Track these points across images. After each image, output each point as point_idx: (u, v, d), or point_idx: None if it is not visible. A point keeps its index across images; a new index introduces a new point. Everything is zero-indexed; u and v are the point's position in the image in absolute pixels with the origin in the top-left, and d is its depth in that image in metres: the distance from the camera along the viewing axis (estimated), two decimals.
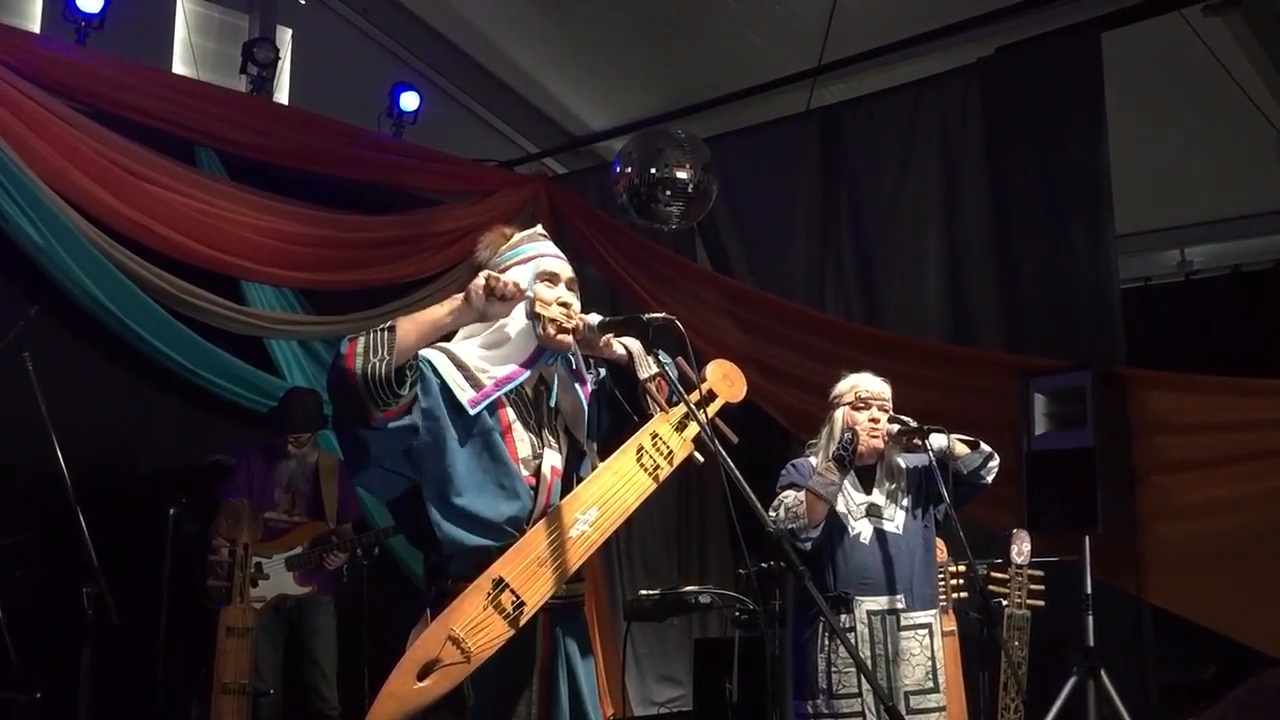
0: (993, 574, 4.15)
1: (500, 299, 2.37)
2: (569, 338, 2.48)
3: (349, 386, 2.22)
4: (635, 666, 6.68)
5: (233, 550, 4.71)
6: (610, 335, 2.52)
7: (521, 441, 2.49)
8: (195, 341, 5.65)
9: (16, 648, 4.48)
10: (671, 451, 2.62)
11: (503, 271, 2.52)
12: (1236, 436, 4.45)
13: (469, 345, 2.49)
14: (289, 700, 5.17)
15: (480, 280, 2.36)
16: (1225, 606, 4.35)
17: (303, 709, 5.16)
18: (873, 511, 3.60)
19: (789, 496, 3.55)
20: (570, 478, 2.57)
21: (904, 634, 3.51)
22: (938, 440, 3.53)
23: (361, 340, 2.26)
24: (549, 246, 2.61)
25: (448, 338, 2.48)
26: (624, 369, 2.55)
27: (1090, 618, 4.45)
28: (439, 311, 2.36)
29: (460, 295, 2.38)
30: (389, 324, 2.29)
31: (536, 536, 2.41)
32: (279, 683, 5.06)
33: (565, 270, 2.58)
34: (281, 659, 5.13)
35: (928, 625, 3.55)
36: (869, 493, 3.63)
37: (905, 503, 3.63)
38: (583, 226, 6.58)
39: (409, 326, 2.30)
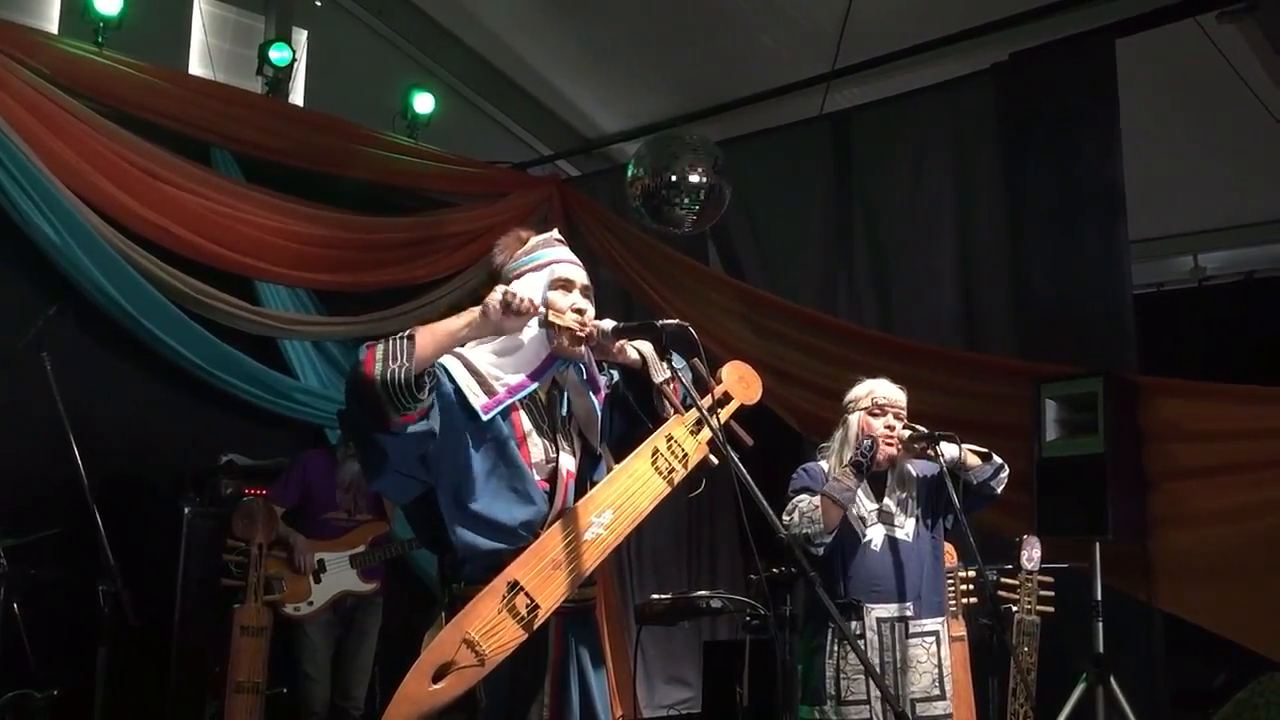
0: (1003, 580, 4.15)
1: (516, 314, 2.38)
2: (582, 346, 2.49)
3: (368, 392, 2.23)
4: (643, 668, 6.69)
5: (246, 550, 4.74)
6: (624, 341, 2.52)
7: (535, 446, 2.51)
8: (210, 341, 5.68)
9: (33, 645, 4.51)
10: (686, 454, 2.63)
11: (518, 276, 2.55)
12: (1248, 444, 4.42)
13: (482, 351, 2.49)
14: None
15: (497, 295, 2.37)
16: (1236, 614, 4.33)
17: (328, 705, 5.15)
18: (884, 518, 3.60)
19: (804, 501, 3.52)
20: (584, 481, 2.58)
21: (911, 641, 3.51)
22: (950, 450, 3.53)
23: (380, 347, 2.27)
24: (565, 253, 2.62)
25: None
26: (637, 374, 2.56)
27: (1100, 624, 4.43)
28: (456, 324, 2.37)
29: (477, 309, 2.39)
30: (408, 332, 2.30)
31: (551, 540, 2.42)
32: (328, 680, 5.05)
33: (580, 277, 2.58)
34: (332, 656, 5.13)
35: (935, 633, 3.55)
36: (880, 500, 3.63)
37: (916, 510, 3.64)
38: (595, 229, 6.60)
39: (427, 337, 2.31)
